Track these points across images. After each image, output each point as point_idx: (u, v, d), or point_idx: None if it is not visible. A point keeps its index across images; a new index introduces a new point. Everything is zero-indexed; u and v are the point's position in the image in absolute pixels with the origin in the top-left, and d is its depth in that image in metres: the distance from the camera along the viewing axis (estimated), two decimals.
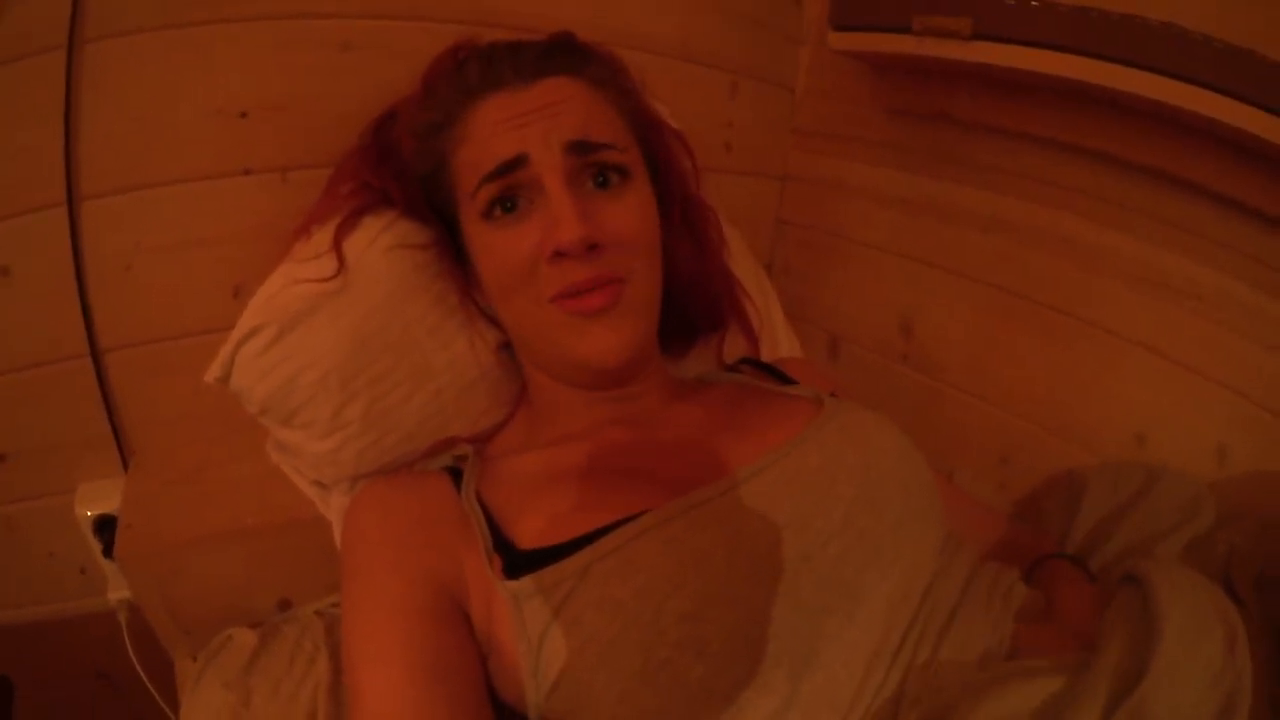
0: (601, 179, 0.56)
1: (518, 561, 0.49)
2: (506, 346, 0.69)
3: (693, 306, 0.71)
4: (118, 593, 0.79)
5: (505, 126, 0.54)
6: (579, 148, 0.54)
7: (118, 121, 0.69)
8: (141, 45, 0.68)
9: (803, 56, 1.02)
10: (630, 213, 0.56)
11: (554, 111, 0.54)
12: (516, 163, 0.53)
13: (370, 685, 0.47)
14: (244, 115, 0.72)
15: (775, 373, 0.72)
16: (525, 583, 0.47)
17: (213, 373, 0.63)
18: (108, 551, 0.77)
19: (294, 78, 0.73)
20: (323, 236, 0.64)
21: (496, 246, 0.56)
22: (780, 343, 0.88)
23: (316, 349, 0.62)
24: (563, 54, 0.59)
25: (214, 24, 0.70)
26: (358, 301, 0.63)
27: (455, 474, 0.60)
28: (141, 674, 0.81)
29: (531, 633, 0.46)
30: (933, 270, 0.93)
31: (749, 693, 0.44)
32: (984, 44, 0.75)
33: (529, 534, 0.51)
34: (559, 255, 0.53)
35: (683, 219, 0.69)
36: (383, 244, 0.64)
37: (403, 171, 0.63)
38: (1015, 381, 0.89)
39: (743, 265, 0.85)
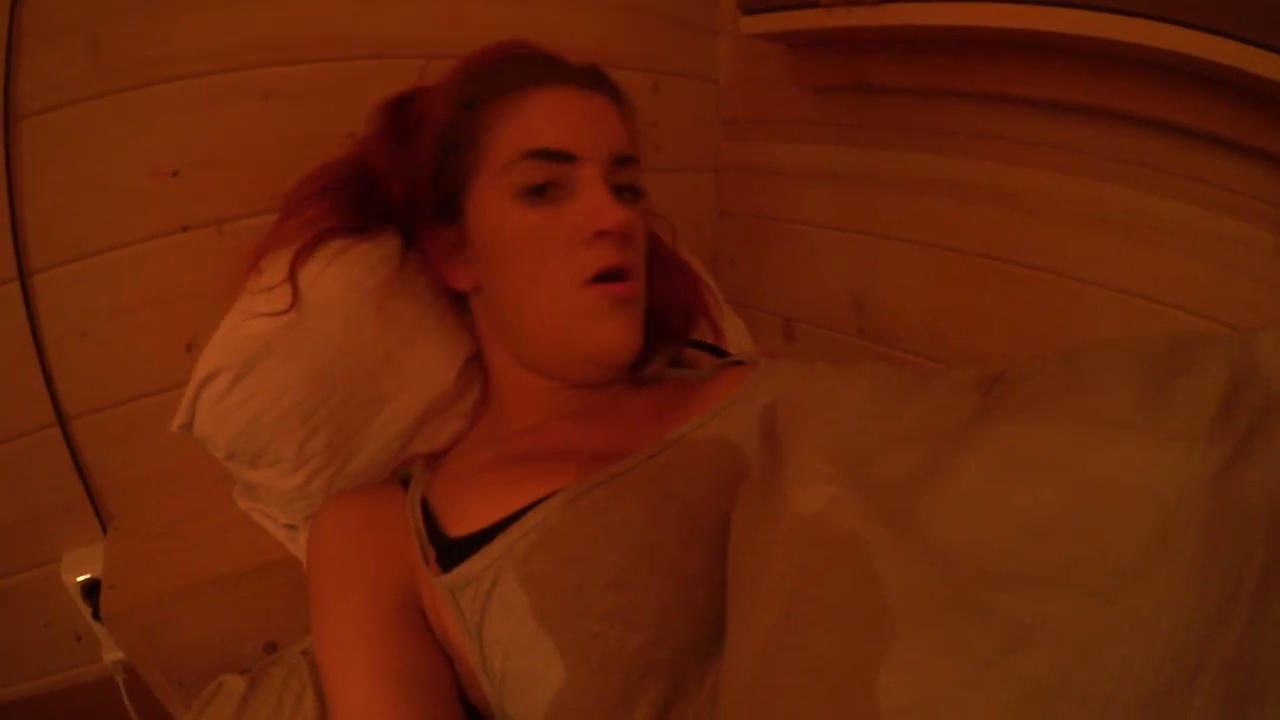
0: (626, 193, 0.61)
1: (450, 553, 0.50)
2: (470, 360, 0.70)
3: (664, 320, 0.72)
4: (112, 654, 0.80)
5: (563, 120, 0.58)
6: (623, 160, 0.60)
7: (60, 193, 0.71)
8: (75, 117, 0.70)
9: (723, 47, 1.03)
10: (643, 223, 0.62)
11: (605, 125, 0.60)
12: (566, 157, 0.57)
13: (343, 701, 0.48)
14: (175, 174, 0.74)
15: (719, 351, 0.72)
16: (457, 574, 0.47)
17: (176, 421, 0.64)
18: (98, 615, 0.78)
19: (220, 132, 0.75)
20: (275, 269, 0.64)
21: (536, 224, 0.57)
22: (727, 334, 0.88)
23: (276, 387, 0.63)
24: (608, 81, 0.65)
25: (139, 89, 0.72)
26: (312, 334, 0.64)
27: (408, 483, 0.62)
28: None
29: (470, 623, 0.46)
30: (877, 240, 0.93)
31: (691, 663, 0.43)
32: (892, 6, 0.75)
33: (460, 522, 0.52)
34: (601, 235, 0.56)
35: (653, 240, 0.71)
36: (332, 274, 0.65)
37: (412, 154, 0.63)
38: (976, 339, 0.88)
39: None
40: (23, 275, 0.71)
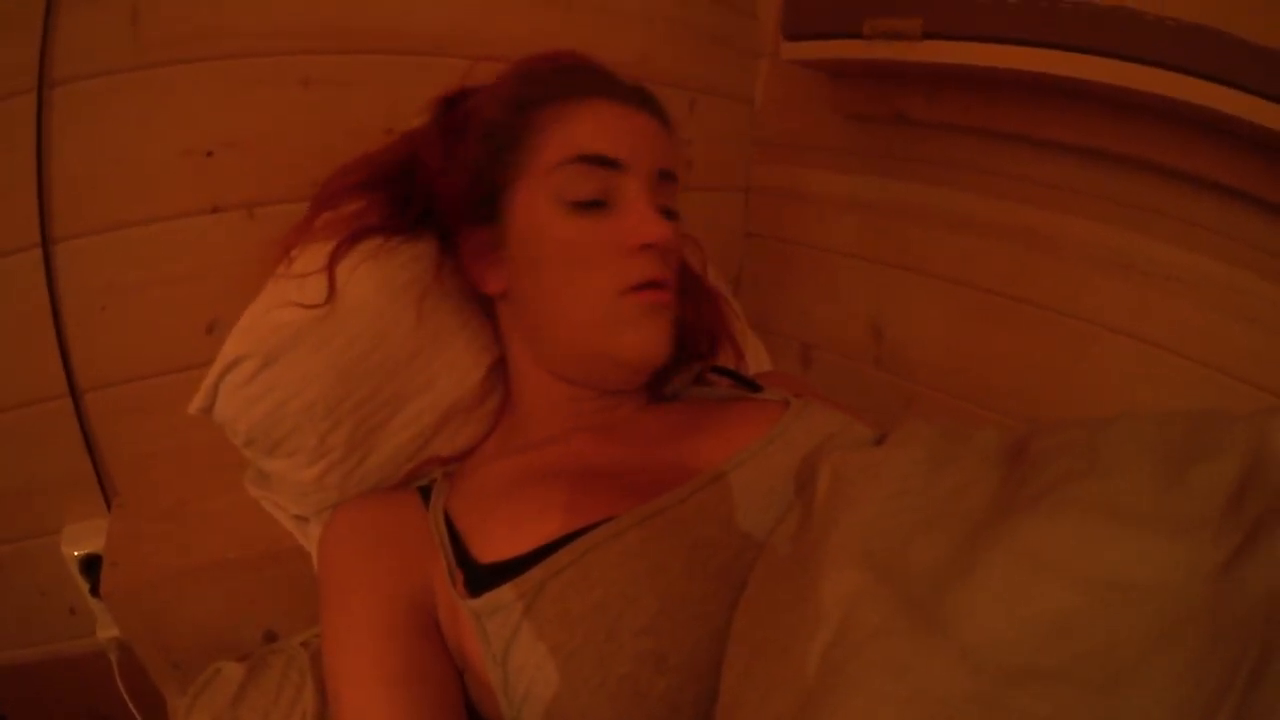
0: (664, 212, 0.61)
1: (479, 577, 0.50)
2: (495, 366, 0.69)
3: (689, 339, 0.72)
4: (107, 631, 0.80)
5: (613, 130, 0.59)
6: (666, 176, 0.62)
7: (89, 163, 0.70)
8: (110, 87, 0.69)
9: (761, 69, 1.03)
10: (679, 242, 0.63)
11: (652, 142, 0.61)
12: (615, 164, 0.58)
13: (349, 703, 0.48)
14: (209, 154, 0.73)
15: (745, 380, 0.73)
16: (485, 600, 0.47)
17: (196, 404, 0.63)
18: (95, 590, 0.77)
19: (257, 115, 0.74)
20: (309, 259, 0.64)
21: (578, 230, 0.58)
22: (748, 356, 0.88)
23: (301, 377, 0.62)
24: (656, 103, 0.66)
25: (178, 64, 0.71)
26: (342, 328, 0.63)
27: (426, 492, 0.61)
28: (134, 712, 0.81)
29: (496, 649, 0.46)
30: (901, 272, 0.94)
31: (717, 709, 0.43)
32: (935, 43, 0.76)
33: (489, 546, 0.52)
34: (646, 247, 0.58)
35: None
36: (367, 270, 0.64)
37: (461, 151, 0.63)
38: (990, 377, 0.89)
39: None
40: (45, 243, 0.70)
